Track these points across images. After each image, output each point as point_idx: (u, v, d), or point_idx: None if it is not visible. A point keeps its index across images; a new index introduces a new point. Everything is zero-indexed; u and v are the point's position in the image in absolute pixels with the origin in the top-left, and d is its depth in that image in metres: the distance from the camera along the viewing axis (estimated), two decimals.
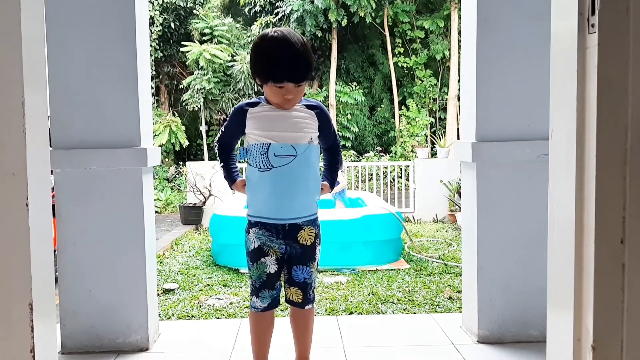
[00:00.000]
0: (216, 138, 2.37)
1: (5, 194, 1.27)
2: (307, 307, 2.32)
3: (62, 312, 2.81)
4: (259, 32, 15.19)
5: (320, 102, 2.34)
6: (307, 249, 2.26)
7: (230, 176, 2.37)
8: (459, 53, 12.86)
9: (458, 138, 13.15)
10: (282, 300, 2.42)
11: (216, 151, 2.38)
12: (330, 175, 2.44)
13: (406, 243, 6.09)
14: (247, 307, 3.95)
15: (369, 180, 10.18)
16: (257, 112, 2.19)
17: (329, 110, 14.89)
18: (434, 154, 12.54)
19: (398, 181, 10.44)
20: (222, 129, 2.33)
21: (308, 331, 2.38)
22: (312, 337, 2.41)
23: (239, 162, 2.49)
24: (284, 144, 2.15)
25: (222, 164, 2.37)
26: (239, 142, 2.38)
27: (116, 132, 2.78)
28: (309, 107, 2.24)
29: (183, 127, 13.86)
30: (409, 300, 4.12)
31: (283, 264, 2.29)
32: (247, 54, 14.35)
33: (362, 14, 14.28)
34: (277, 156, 2.15)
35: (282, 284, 2.35)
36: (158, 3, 14.36)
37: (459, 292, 4.22)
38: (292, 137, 2.17)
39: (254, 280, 2.28)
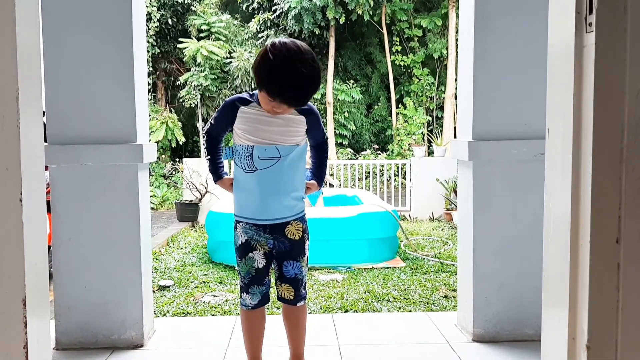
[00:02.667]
0: (205, 129, 2.33)
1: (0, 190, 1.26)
2: (299, 304, 2.32)
3: (56, 308, 2.80)
4: (256, 29, 15.19)
5: (310, 103, 2.26)
6: (295, 243, 2.27)
7: (216, 171, 2.36)
8: (457, 52, 12.87)
9: (455, 137, 13.16)
10: (272, 297, 2.42)
11: (203, 142, 2.36)
12: (318, 173, 2.44)
13: (402, 241, 6.09)
14: None
15: (366, 178, 10.19)
16: (246, 113, 2.18)
17: (326, 108, 14.94)
18: (430, 153, 12.55)
19: (394, 179, 10.45)
20: (212, 121, 2.30)
21: (301, 328, 2.37)
22: (306, 334, 2.41)
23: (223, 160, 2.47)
24: (268, 147, 2.15)
25: (208, 156, 2.35)
26: (225, 140, 2.38)
27: (112, 128, 2.77)
28: (300, 111, 2.21)
29: (180, 124, 13.84)
30: (405, 298, 4.12)
31: (271, 260, 2.30)
32: (245, 50, 14.33)
33: (360, 12, 14.29)
34: (260, 158, 2.16)
35: (272, 281, 2.35)
36: None
37: (455, 290, 4.22)
38: (277, 138, 2.16)
39: (243, 276, 2.29)
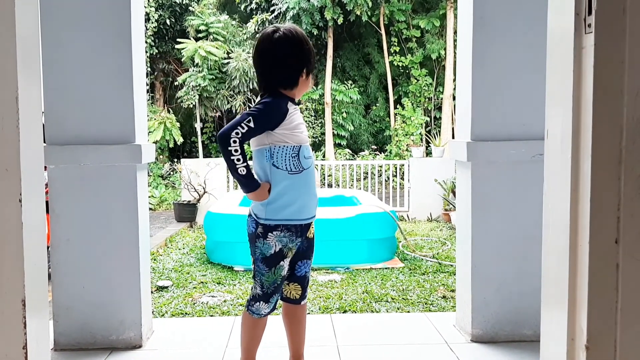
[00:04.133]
0: (238, 134, 2.03)
1: None
2: (302, 302, 2.34)
3: (55, 308, 2.80)
4: (255, 29, 15.19)
5: None
6: (311, 241, 2.31)
7: (252, 177, 2.11)
8: (455, 52, 12.91)
9: (453, 137, 13.18)
10: None
11: (236, 148, 2.04)
12: None
13: (400, 242, 6.10)
14: (241, 304, 3.95)
15: (364, 178, 10.19)
16: (293, 112, 2.16)
17: (324, 108, 14.94)
18: (429, 153, 12.56)
19: (393, 180, 10.45)
20: (250, 124, 2.04)
21: (302, 327, 2.38)
22: (305, 335, 2.41)
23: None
24: (308, 146, 2.20)
25: (244, 164, 2.07)
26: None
27: (111, 129, 2.76)
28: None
29: (178, 124, 13.83)
30: (403, 299, 4.12)
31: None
32: (243, 51, 14.32)
33: (358, 13, 14.29)
34: (306, 158, 2.17)
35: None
36: None
37: (453, 291, 4.23)
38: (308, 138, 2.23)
39: (266, 286, 2.18)
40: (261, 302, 2.21)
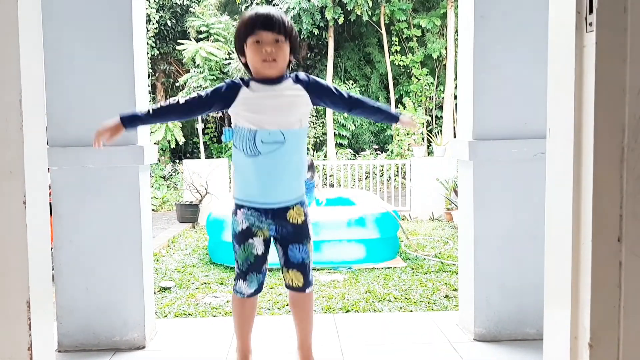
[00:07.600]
0: (186, 94, 2.24)
1: (3, 192, 1.26)
2: (307, 291, 2.28)
3: (58, 309, 2.80)
4: None
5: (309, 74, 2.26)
6: (298, 227, 2.23)
7: (133, 113, 2.25)
8: (456, 51, 12.90)
9: (455, 136, 13.18)
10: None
11: (180, 100, 2.17)
12: (379, 106, 2.35)
13: (403, 241, 6.10)
14: None
15: (366, 178, 10.19)
16: (248, 93, 2.13)
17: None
18: (430, 153, 12.56)
19: (394, 179, 10.46)
20: (202, 93, 2.17)
21: (309, 315, 2.34)
22: (314, 324, 2.37)
23: (224, 141, 2.43)
24: (272, 130, 2.11)
25: (168, 102, 2.18)
26: (226, 122, 2.34)
27: None
28: (296, 81, 2.18)
29: (179, 125, 13.85)
30: (406, 298, 4.12)
31: (269, 247, 2.27)
32: None
33: (358, 12, 14.30)
34: (264, 143, 2.12)
35: (268, 269, 2.33)
36: (155, 1, 14.34)
37: (456, 290, 4.23)
38: (281, 122, 2.12)
39: (240, 264, 2.24)
40: (240, 280, 2.26)
